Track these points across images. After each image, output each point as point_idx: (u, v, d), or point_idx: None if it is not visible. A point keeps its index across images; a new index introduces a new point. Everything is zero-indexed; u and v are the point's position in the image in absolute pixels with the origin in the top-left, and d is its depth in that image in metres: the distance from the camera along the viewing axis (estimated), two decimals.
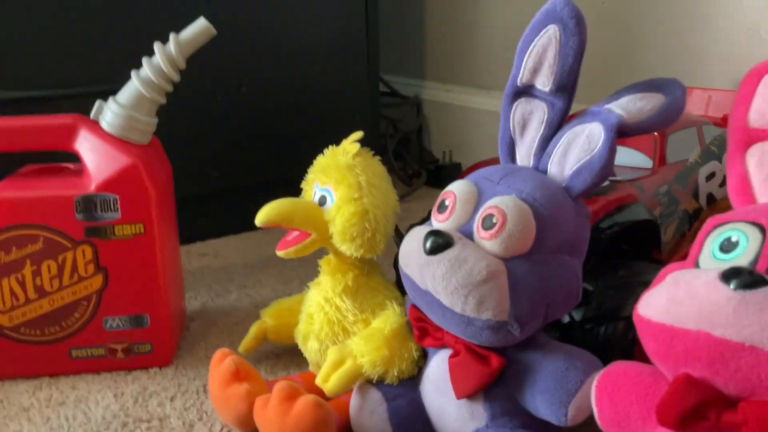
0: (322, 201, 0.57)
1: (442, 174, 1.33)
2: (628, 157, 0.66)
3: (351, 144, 0.58)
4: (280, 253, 0.58)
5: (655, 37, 1.00)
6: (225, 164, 1.01)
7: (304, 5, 1.04)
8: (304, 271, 0.88)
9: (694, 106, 0.85)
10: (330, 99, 1.12)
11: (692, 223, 0.68)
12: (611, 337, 0.56)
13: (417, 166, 1.37)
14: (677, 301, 0.38)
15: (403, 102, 1.46)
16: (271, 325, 0.65)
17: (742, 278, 0.35)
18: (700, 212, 0.69)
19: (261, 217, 0.56)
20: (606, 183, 0.60)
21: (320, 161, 0.59)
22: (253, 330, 0.66)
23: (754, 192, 0.44)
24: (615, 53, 1.06)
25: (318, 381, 0.54)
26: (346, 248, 0.56)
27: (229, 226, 1.03)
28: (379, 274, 0.60)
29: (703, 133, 0.71)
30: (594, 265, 0.58)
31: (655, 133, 0.66)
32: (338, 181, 0.56)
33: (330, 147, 0.60)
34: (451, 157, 1.38)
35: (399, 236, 0.71)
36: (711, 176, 0.70)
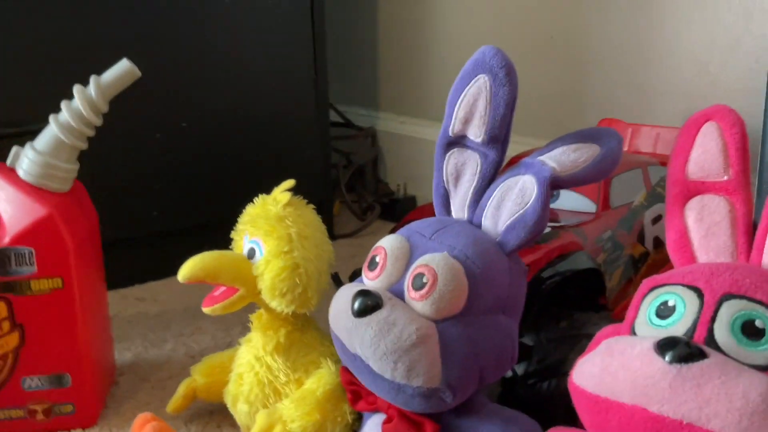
0: (251, 254, 0.54)
1: (397, 207, 1.31)
2: (571, 201, 0.64)
3: (281, 193, 0.56)
4: (206, 310, 0.55)
5: (604, 72, 0.99)
6: (166, 204, 0.97)
7: (248, 35, 1.01)
8: (246, 317, 0.83)
9: (643, 144, 0.84)
10: (277, 131, 1.09)
11: (639, 267, 0.67)
12: (555, 392, 0.53)
13: (371, 199, 1.34)
14: (611, 372, 0.36)
15: (358, 133, 1.43)
16: (202, 384, 0.62)
17: (678, 350, 0.34)
18: (647, 256, 0.68)
19: (184, 272, 0.53)
20: (548, 230, 0.58)
21: (249, 211, 0.57)
22: (182, 389, 0.62)
23: (693, 248, 0.42)
24: (564, 89, 1.05)
25: None
26: (276, 304, 0.53)
27: (169, 269, 0.99)
28: (314, 329, 0.57)
29: (649, 174, 0.70)
30: (535, 317, 0.55)
31: None
32: (267, 234, 0.53)
33: (260, 196, 0.57)
34: (406, 189, 1.36)
35: (338, 284, 0.68)
36: (657, 219, 0.69)
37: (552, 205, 0.65)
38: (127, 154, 0.91)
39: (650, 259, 0.68)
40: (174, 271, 1.00)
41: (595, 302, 0.62)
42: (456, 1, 1.22)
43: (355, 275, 0.59)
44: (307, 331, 0.56)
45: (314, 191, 1.17)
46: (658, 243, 0.68)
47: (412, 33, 1.35)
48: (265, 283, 0.52)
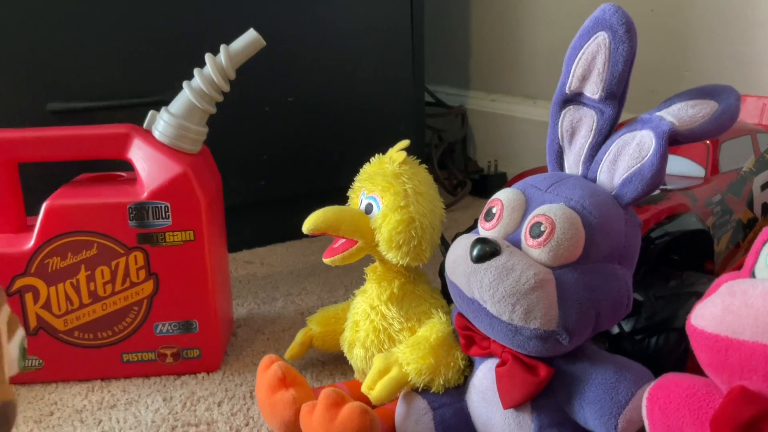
0: (369, 209, 0.58)
1: (487, 184, 1.33)
2: (679, 165, 0.64)
3: (397, 152, 0.59)
4: (326, 260, 0.58)
5: (707, 44, 0.98)
6: (272, 174, 1.02)
7: (350, 17, 1.05)
8: (349, 279, 0.88)
9: (749, 114, 0.83)
10: (376, 109, 1.12)
11: (746, 233, 0.66)
12: (662, 348, 0.54)
13: (462, 175, 1.36)
14: (733, 311, 0.37)
15: (448, 112, 1.46)
16: (317, 333, 0.66)
17: None
18: (754, 222, 0.67)
19: (308, 224, 0.57)
20: (657, 192, 0.59)
21: (367, 169, 0.60)
22: (299, 337, 0.66)
23: None
24: (666, 61, 1.04)
25: (364, 388, 0.54)
26: (392, 256, 0.56)
27: (275, 235, 1.04)
28: (425, 282, 0.60)
29: (758, 141, 0.69)
30: (644, 275, 0.57)
31: (708, 142, 0.65)
32: (384, 189, 0.56)
33: (376, 155, 0.61)
34: (497, 166, 1.37)
35: (444, 245, 0.70)
36: (766, 185, 0.68)
37: None
38: (237, 126, 0.97)
39: (758, 225, 0.68)
40: (278, 238, 1.06)
41: (702, 265, 0.62)
42: None
43: (443, 241, 0.62)
44: (418, 283, 0.59)
45: None
46: (767, 209, 0.68)
47: (504, 10, 1.35)
48: (382, 236, 0.55)
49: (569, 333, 0.44)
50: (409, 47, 1.14)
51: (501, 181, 1.32)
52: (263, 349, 0.72)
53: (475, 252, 0.46)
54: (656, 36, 1.05)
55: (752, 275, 0.40)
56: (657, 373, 0.45)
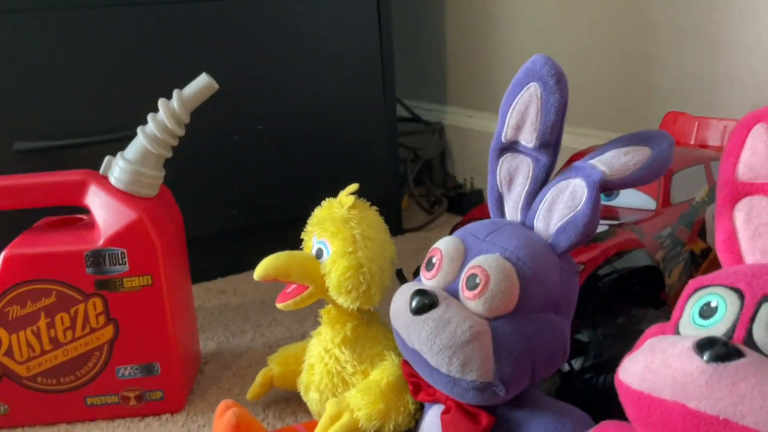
0: (319, 254, 0.58)
1: (464, 201, 1.33)
2: (631, 198, 0.65)
3: (346, 196, 0.59)
4: (279, 305, 0.59)
5: (671, 64, 0.99)
6: (244, 202, 1.03)
7: (317, 39, 1.05)
8: (318, 311, 0.89)
9: (710, 137, 0.83)
10: (348, 130, 1.13)
11: (700, 263, 0.67)
12: (611, 386, 0.55)
13: (439, 192, 1.37)
14: (653, 370, 0.37)
15: (425, 128, 1.46)
16: (278, 372, 0.66)
17: (716, 350, 0.35)
18: (708, 252, 0.68)
19: (259, 271, 0.57)
20: (604, 228, 0.60)
21: (317, 213, 0.60)
22: (260, 378, 0.67)
23: (741, 249, 0.43)
24: (631, 81, 1.05)
25: None
26: (342, 301, 0.57)
27: (249, 263, 1.04)
28: (378, 323, 0.61)
29: (711, 169, 0.70)
30: (593, 313, 0.57)
31: None
32: (333, 235, 0.57)
33: (327, 199, 0.61)
34: (473, 183, 1.38)
35: (401, 280, 0.71)
36: None
37: (611, 203, 0.67)
38: (208, 156, 0.97)
39: (712, 255, 0.68)
40: (252, 266, 1.06)
41: (656, 298, 0.63)
42: None
43: (418, 272, 0.62)
44: (372, 325, 0.60)
45: (382, 186, 1.21)
46: None
47: (480, 28, 1.36)
48: (332, 282, 0.56)
49: (505, 384, 0.45)
50: (378, 65, 1.14)
51: (478, 197, 1.33)
52: (229, 387, 0.73)
53: (413, 304, 0.47)
54: (622, 54, 1.05)
55: (676, 331, 0.40)
56: (608, 411, 0.46)
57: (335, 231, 0.57)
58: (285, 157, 1.06)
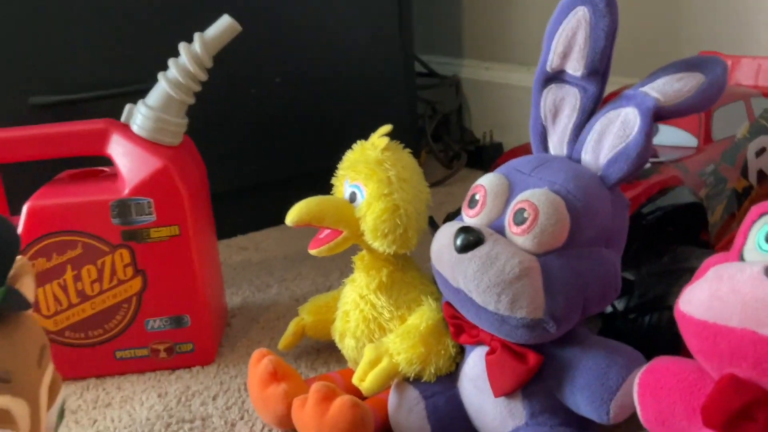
0: (353, 197, 0.56)
1: (483, 155, 1.31)
2: (671, 135, 0.63)
3: (379, 138, 0.57)
4: (312, 251, 0.57)
5: (702, 5, 0.95)
6: (262, 157, 1.01)
7: None
8: (344, 263, 0.86)
9: (744, 76, 0.81)
10: (365, 84, 1.10)
11: (741, 202, 0.65)
12: (656, 327, 0.54)
13: (457, 147, 1.34)
14: (720, 297, 0.36)
15: (442, 82, 1.43)
16: (309, 322, 0.65)
17: None
18: (750, 190, 0.66)
19: (291, 216, 0.56)
20: (647, 166, 0.57)
21: (349, 157, 0.58)
22: (291, 327, 0.65)
23: None
24: (661, 25, 1.02)
25: (355, 380, 0.54)
26: (379, 245, 0.55)
27: (269, 219, 1.03)
28: (414, 268, 0.59)
29: (752, 105, 0.68)
30: (636, 252, 0.56)
31: None
32: (367, 177, 0.55)
33: (359, 142, 0.59)
34: (492, 137, 1.35)
35: (434, 227, 0.69)
36: (761, 152, 0.67)
37: (653, 140, 0.64)
38: (225, 110, 0.95)
39: (754, 193, 0.66)
40: (273, 221, 1.05)
41: (697, 237, 0.61)
42: None
43: (449, 219, 0.61)
44: (407, 270, 0.58)
45: (401, 141, 1.19)
46: (762, 176, 0.67)
47: None
48: (367, 225, 0.54)
49: (556, 321, 0.44)
50: (396, 18, 1.12)
51: (497, 151, 1.31)
52: (258, 339, 0.72)
53: (458, 242, 0.45)
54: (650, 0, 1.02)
55: (741, 258, 0.39)
56: (652, 352, 0.44)
57: (369, 173, 0.55)
58: (303, 111, 1.04)
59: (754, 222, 0.39)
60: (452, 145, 1.35)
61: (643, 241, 0.56)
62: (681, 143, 0.63)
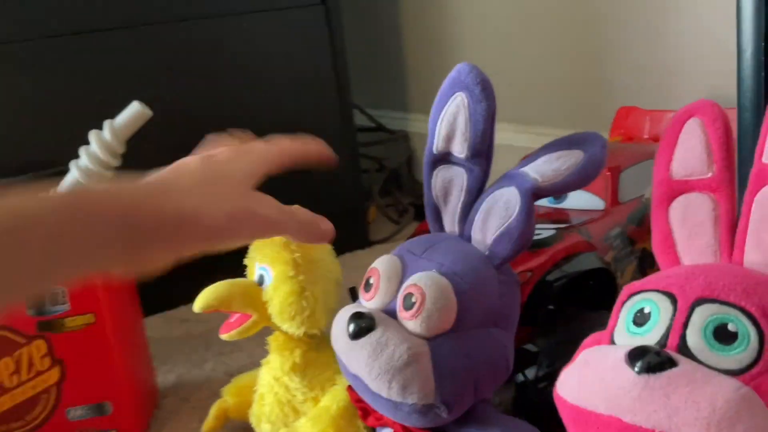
0: (261, 280, 0.57)
1: None
2: (580, 199, 0.64)
3: None
4: (224, 336, 0.57)
5: (623, 58, 0.98)
6: None
7: (266, 51, 1.04)
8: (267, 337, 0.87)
9: (664, 130, 0.82)
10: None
11: (654, 260, 0.66)
12: None
13: (407, 201, 1.35)
14: (587, 383, 0.36)
15: (390, 137, 1.45)
16: (232, 404, 0.65)
17: (647, 360, 0.34)
18: None
19: (199, 303, 0.56)
20: (552, 233, 0.58)
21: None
22: (214, 411, 0.65)
23: (677, 250, 0.42)
24: (585, 78, 1.04)
25: None
26: (287, 327, 0.55)
27: None
28: (329, 346, 0.59)
29: None
30: (544, 320, 0.56)
31: (606, 171, 0.64)
32: (274, 260, 0.55)
33: None
34: None
35: (354, 298, 0.69)
36: None
37: (560, 205, 0.65)
38: None
39: None
40: None
41: (611, 300, 0.62)
42: None
43: (354, 294, 0.61)
44: (323, 350, 0.58)
45: (346, 199, 1.19)
46: None
47: (436, 32, 1.35)
48: (274, 308, 0.55)
49: (447, 405, 0.44)
50: (332, 76, 1.12)
51: None
52: (187, 421, 0.71)
53: (351, 328, 0.45)
54: (573, 52, 1.05)
55: (612, 339, 0.39)
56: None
57: (275, 256, 0.55)
58: None
59: (623, 303, 0.40)
60: (402, 199, 1.36)
61: (554, 307, 0.57)
62: (590, 206, 0.64)
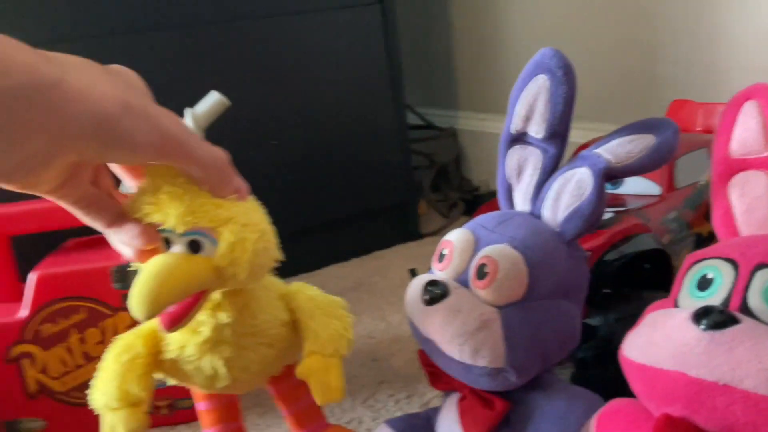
0: (196, 247, 0.45)
1: (480, 203, 1.34)
2: (637, 185, 0.66)
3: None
4: (171, 330, 0.46)
5: (675, 53, 1.00)
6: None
7: (324, 49, 1.08)
8: None
9: (716, 123, 0.84)
10: (360, 140, 1.15)
11: (707, 245, 0.68)
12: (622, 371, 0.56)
13: (456, 196, 1.38)
14: (654, 342, 0.39)
15: (439, 134, 1.48)
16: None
17: (712, 318, 0.36)
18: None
19: (141, 310, 0.43)
20: (610, 215, 0.61)
21: (166, 203, 0.44)
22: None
23: (737, 223, 0.45)
24: (637, 72, 1.06)
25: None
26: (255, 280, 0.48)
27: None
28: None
29: None
30: (603, 299, 0.58)
31: None
32: (214, 220, 0.45)
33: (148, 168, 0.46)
34: (489, 185, 1.39)
35: (413, 275, 0.73)
36: None
37: (617, 191, 0.68)
38: None
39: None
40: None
41: (666, 281, 0.64)
42: None
43: (414, 272, 0.64)
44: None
45: (398, 194, 1.23)
46: None
47: (486, 31, 1.38)
48: (242, 269, 0.45)
49: (516, 370, 0.47)
50: (386, 74, 1.16)
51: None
52: None
53: (425, 294, 0.49)
54: (625, 47, 1.07)
55: (675, 304, 0.42)
56: (619, 395, 0.47)
57: (213, 213, 0.44)
58: (300, 170, 1.09)
59: (687, 270, 0.42)
60: (450, 195, 1.39)
61: (612, 287, 0.59)
62: (646, 192, 0.66)
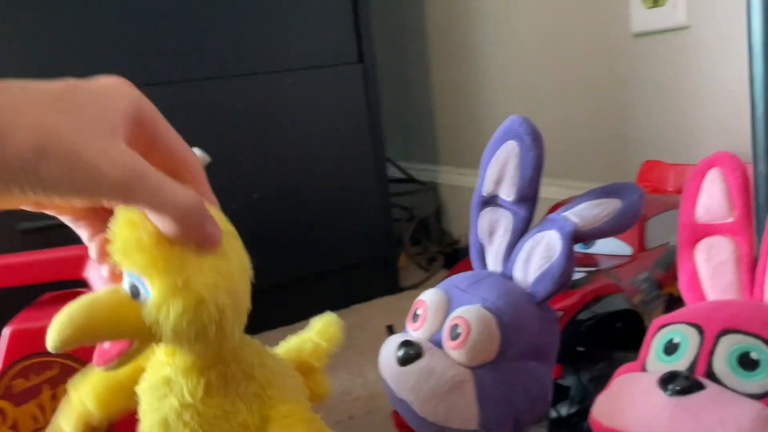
0: (135, 291, 0.40)
1: (460, 256, 1.36)
2: (608, 245, 0.68)
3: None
4: (100, 368, 0.42)
5: (647, 116, 1.03)
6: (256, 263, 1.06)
7: (306, 106, 1.10)
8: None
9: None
10: (341, 194, 1.17)
11: (680, 305, 0.69)
12: None
13: (435, 249, 1.40)
14: (621, 406, 0.40)
15: (419, 188, 1.50)
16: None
17: (677, 383, 0.37)
18: None
19: (53, 341, 0.40)
20: (582, 275, 0.62)
21: (116, 233, 0.40)
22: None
23: (703, 288, 0.46)
24: (610, 134, 1.09)
25: None
26: (189, 351, 0.42)
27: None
28: (250, 346, 0.45)
29: None
30: (576, 357, 0.59)
31: None
32: (148, 267, 0.38)
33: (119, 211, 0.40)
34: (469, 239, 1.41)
35: (391, 332, 0.73)
36: None
37: (589, 251, 0.69)
38: None
39: None
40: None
41: (638, 341, 0.65)
42: (504, 55, 1.28)
43: (391, 329, 0.64)
44: (240, 358, 0.44)
45: (378, 247, 1.24)
46: None
47: (465, 89, 1.41)
48: (166, 335, 0.39)
49: (489, 431, 0.47)
50: (367, 130, 1.19)
51: None
52: None
53: (399, 354, 0.49)
54: (599, 109, 1.10)
55: (644, 368, 0.43)
56: None
57: (149, 261, 0.38)
58: (280, 223, 1.10)
59: (654, 334, 0.43)
60: (430, 248, 1.40)
61: (584, 347, 0.60)
62: (617, 252, 0.67)
